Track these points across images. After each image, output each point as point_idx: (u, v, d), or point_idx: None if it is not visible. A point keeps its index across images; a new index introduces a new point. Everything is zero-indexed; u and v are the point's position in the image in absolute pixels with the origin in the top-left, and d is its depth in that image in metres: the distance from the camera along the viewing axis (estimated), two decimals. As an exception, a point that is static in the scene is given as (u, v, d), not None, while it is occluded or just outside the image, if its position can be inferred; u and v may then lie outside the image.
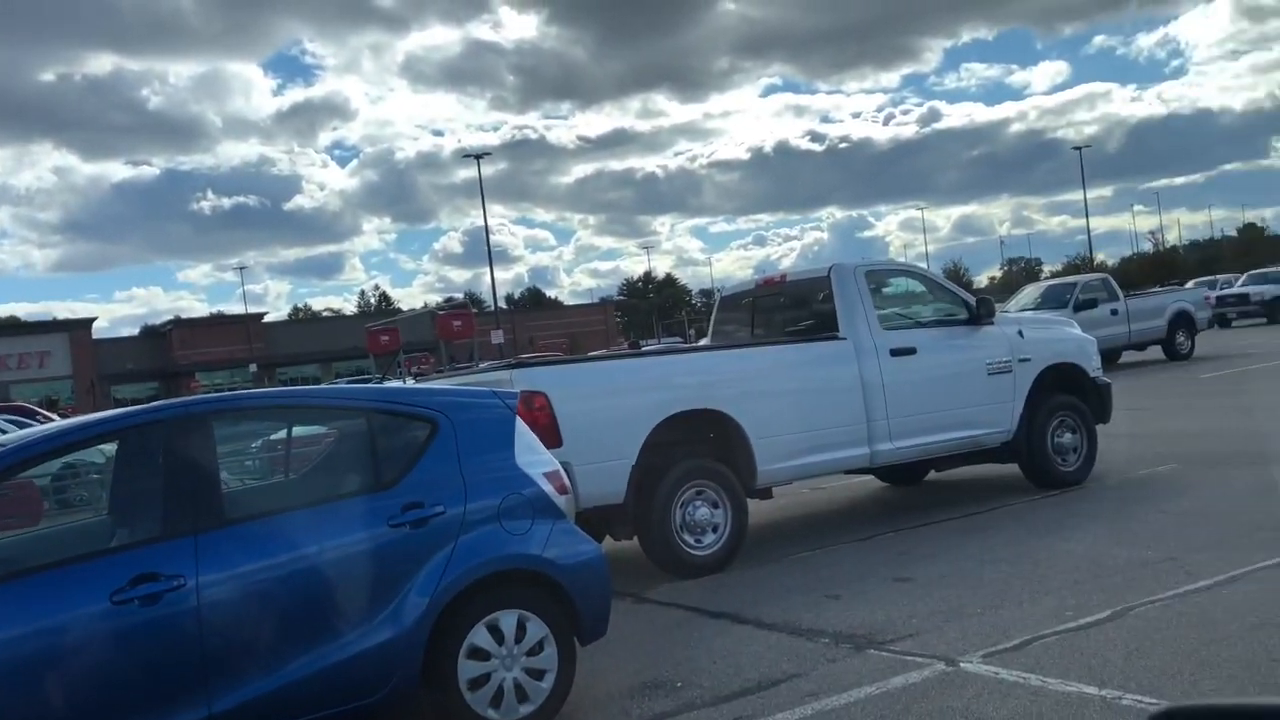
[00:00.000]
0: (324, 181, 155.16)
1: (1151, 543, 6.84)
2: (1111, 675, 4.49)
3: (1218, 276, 45.76)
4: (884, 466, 8.95)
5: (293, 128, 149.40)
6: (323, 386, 5.92)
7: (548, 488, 4.86)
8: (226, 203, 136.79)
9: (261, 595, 4.25)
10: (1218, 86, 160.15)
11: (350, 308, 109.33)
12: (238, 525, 4.39)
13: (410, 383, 9.65)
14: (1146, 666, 4.56)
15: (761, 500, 8.38)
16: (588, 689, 5.04)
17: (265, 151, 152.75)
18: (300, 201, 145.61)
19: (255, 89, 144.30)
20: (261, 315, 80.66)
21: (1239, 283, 38.89)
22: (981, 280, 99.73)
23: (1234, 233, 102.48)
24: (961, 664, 4.89)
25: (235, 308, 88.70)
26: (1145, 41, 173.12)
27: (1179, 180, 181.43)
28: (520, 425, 5.05)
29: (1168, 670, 4.49)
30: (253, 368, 64.50)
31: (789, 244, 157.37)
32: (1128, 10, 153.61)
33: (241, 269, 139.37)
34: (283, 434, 6.05)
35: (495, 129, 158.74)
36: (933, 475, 10.04)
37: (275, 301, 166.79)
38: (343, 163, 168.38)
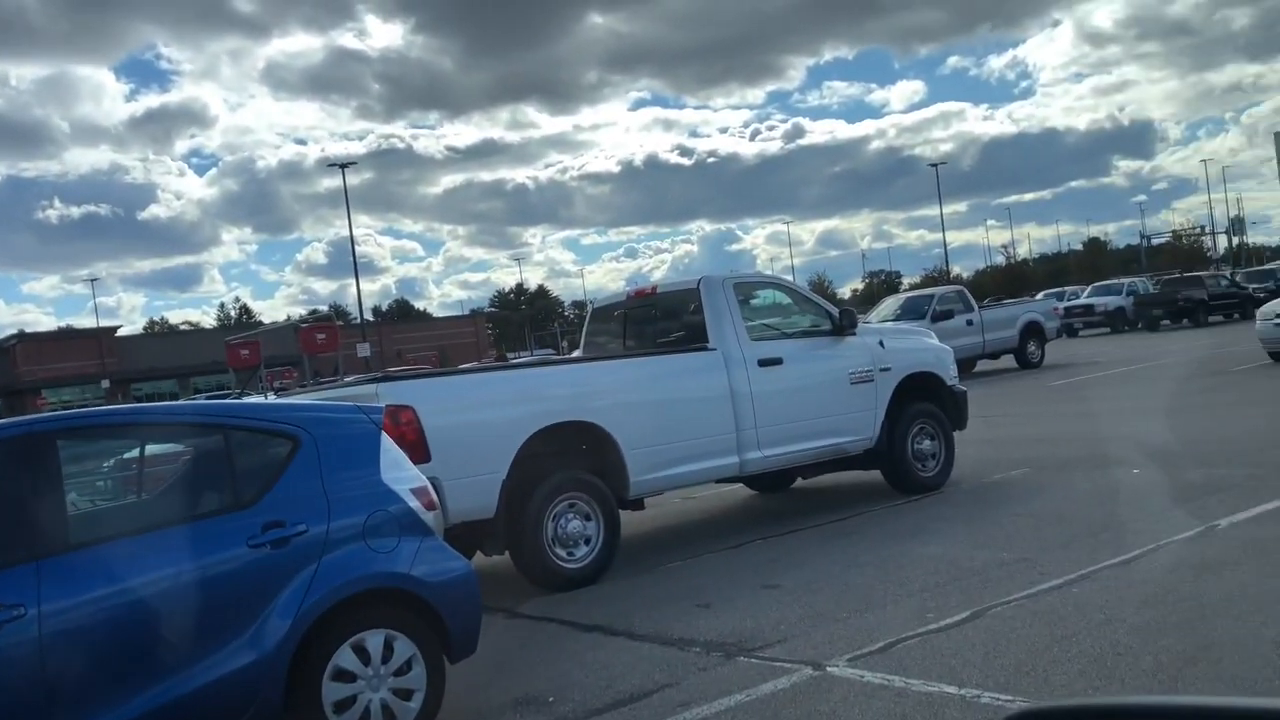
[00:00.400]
0: (181, 190, 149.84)
1: (1006, 544, 7.10)
2: (970, 674, 4.63)
3: (1065, 289, 48.06)
4: (753, 475, 9.09)
5: (147, 134, 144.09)
6: (177, 403, 5.69)
7: (415, 504, 4.77)
8: (75, 211, 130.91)
9: (110, 623, 4.04)
10: (1063, 107, 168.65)
11: (210, 321, 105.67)
12: (85, 549, 4.17)
13: (271, 398, 9.35)
14: (1002, 665, 4.72)
15: (634, 511, 8.41)
16: (459, 707, 4.96)
17: (117, 159, 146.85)
18: (155, 211, 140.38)
19: (106, 93, 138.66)
20: (115, 329, 77.23)
21: (1084, 294, 40.93)
22: (845, 292, 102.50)
23: (1079, 246, 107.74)
24: (828, 668, 4.98)
25: (86, 321, 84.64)
26: (996, 63, 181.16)
27: (1029, 196, 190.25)
28: (386, 440, 4.94)
29: (1022, 668, 4.66)
30: (105, 383, 61.69)
31: (660, 256, 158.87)
32: (979, 33, 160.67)
33: (93, 281, 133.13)
34: (135, 453, 5.78)
35: (361, 138, 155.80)
36: (800, 482, 10.23)
37: (129, 314, 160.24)
38: (201, 171, 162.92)
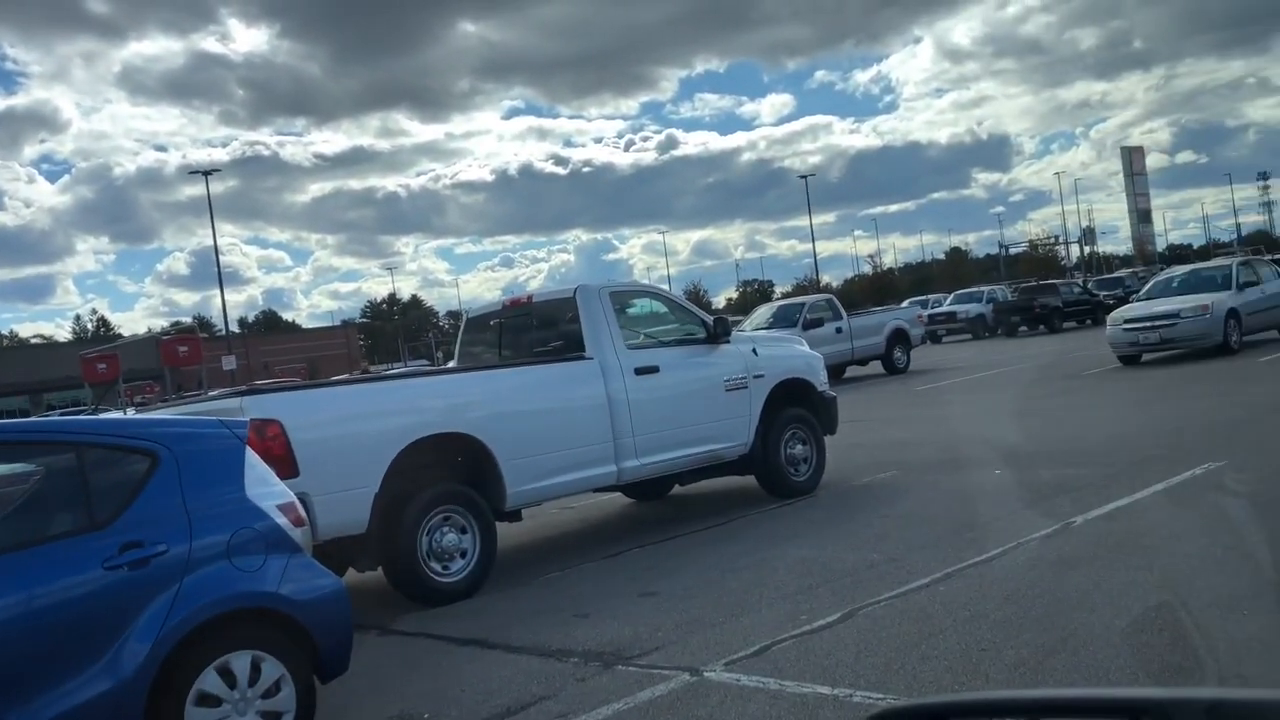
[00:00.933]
0: (30, 198, 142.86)
1: (876, 545, 7.28)
2: (843, 674, 4.73)
3: (929, 296, 49.68)
4: (631, 483, 9.11)
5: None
6: (26, 419, 5.40)
7: (282, 520, 4.63)
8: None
9: (-48, 654, 3.80)
10: (924, 121, 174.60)
11: (64, 334, 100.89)
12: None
13: (130, 413, 8.97)
14: (873, 663, 4.83)
15: (511, 523, 8.33)
16: (330, 728, 4.82)
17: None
18: (2, 219, 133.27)
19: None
20: (-42, 343, 73.02)
21: (947, 302, 42.37)
22: (719, 301, 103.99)
23: (942, 255, 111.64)
24: (705, 673, 5.02)
25: (-75, 335, 79.81)
26: (861, 78, 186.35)
27: (894, 207, 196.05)
28: (251, 456, 4.79)
29: (892, 666, 4.77)
30: (-53, 401, 58.25)
31: (536, 265, 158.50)
32: (845, 49, 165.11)
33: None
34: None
35: (224, 145, 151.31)
36: (676, 489, 10.30)
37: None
38: (52, 178, 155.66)
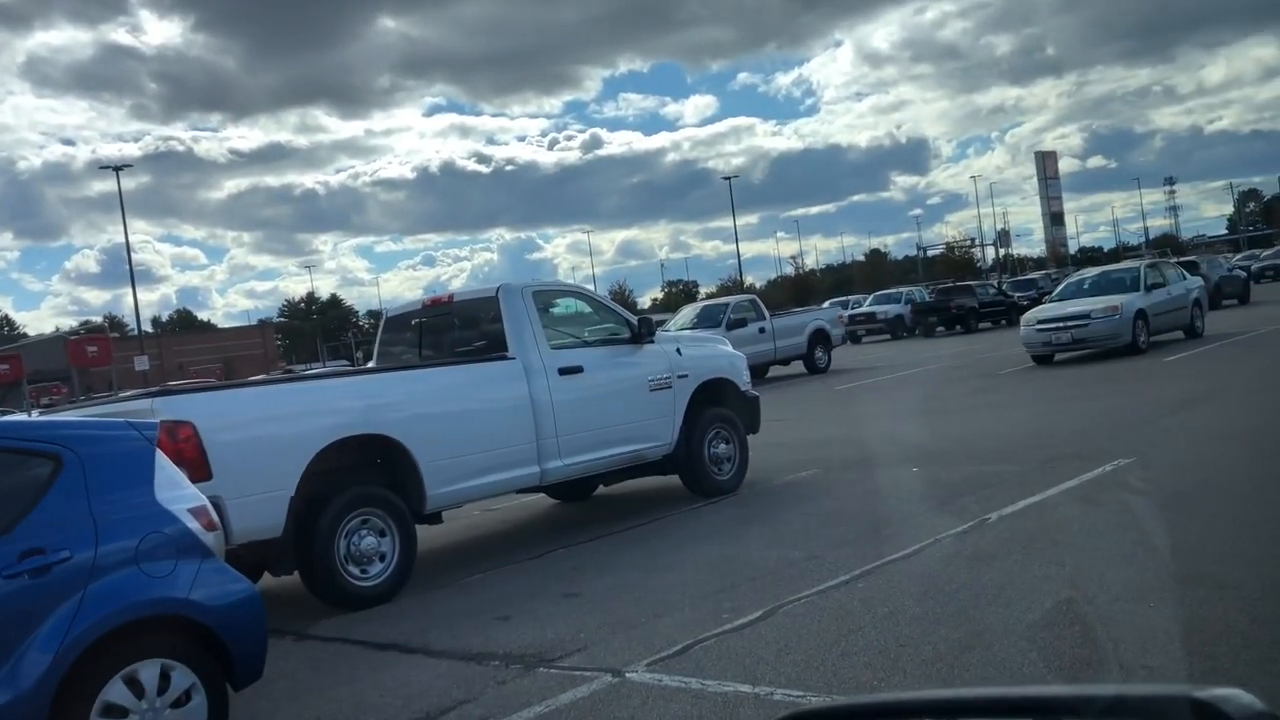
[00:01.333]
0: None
1: (797, 543, 7.34)
2: (764, 673, 4.75)
3: (849, 297, 50.38)
4: (554, 484, 9.07)
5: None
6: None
7: (193, 524, 4.51)
8: None
9: None
10: (845, 125, 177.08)
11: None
12: None
13: (35, 415, 8.69)
14: (794, 661, 4.86)
15: (431, 525, 8.23)
16: (243, 737, 4.71)
17: None
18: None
19: None
20: None
21: (867, 303, 43.01)
22: (645, 301, 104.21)
23: (862, 257, 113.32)
24: (627, 674, 5.00)
25: None
26: (783, 80, 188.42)
27: (815, 209, 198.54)
28: (161, 458, 4.66)
29: (813, 663, 4.81)
30: None
31: (459, 264, 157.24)
32: (766, 51, 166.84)
33: None
34: None
35: (136, 139, 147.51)
36: (600, 490, 10.28)
37: None
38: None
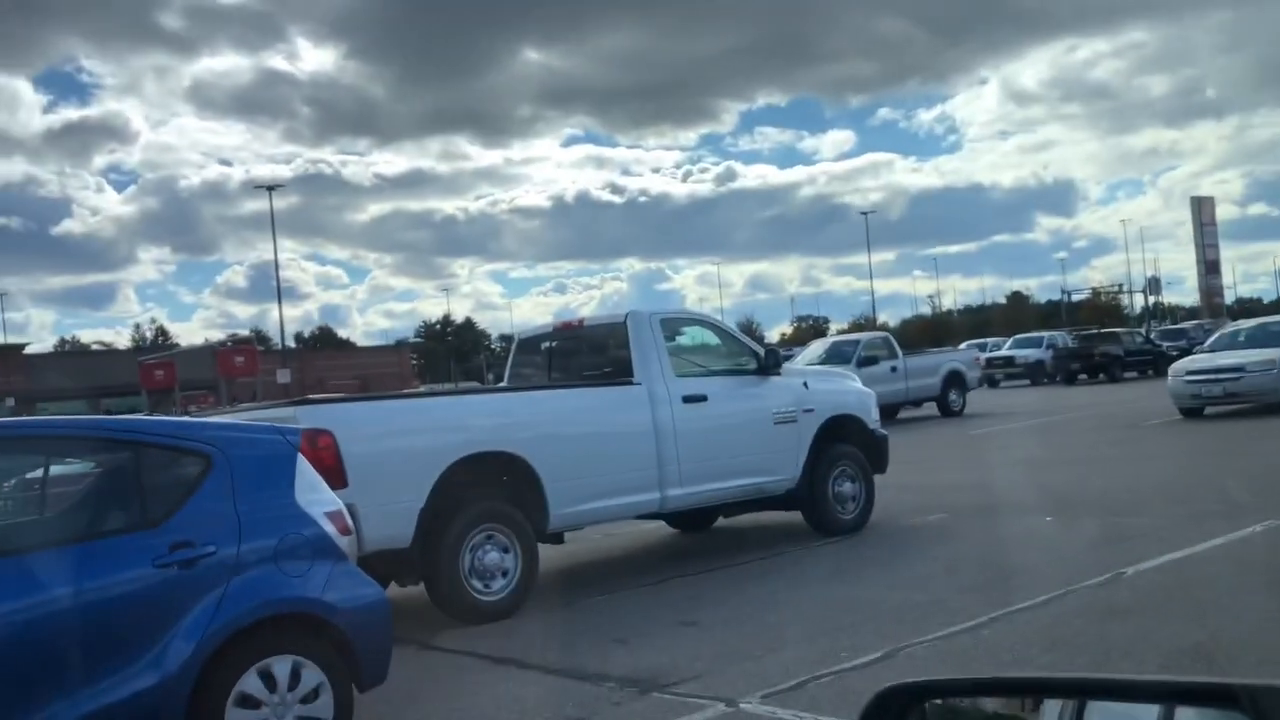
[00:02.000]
0: (97, 206, 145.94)
1: (921, 587, 7.19)
2: (881, 713, 4.66)
3: (987, 340, 49.14)
4: (674, 512, 9.09)
5: (64, 148, 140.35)
6: (85, 416, 5.55)
7: (329, 528, 4.69)
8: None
9: (4, 642, 3.89)
10: (988, 163, 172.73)
11: (124, 341, 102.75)
12: (-24, 565, 4.02)
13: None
14: (913, 704, 4.75)
15: (553, 545, 8.35)
16: (365, 738, 4.85)
17: (32, 171, 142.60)
18: (70, 226, 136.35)
19: (23, 104, 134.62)
20: (22, 346, 74.92)
21: (1006, 346, 41.88)
22: (773, 335, 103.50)
23: (1003, 299, 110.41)
24: (741, 705, 4.97)
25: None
26: (925, 117, 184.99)
27: (954, 248, 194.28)
28: (302, 463, 4.86)
29: (932, 707, 4.69)
30: (9, 401, 59.67)
31: (589, 292, 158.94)
32: (909, 86, 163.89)
33: (1, 295, 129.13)
34: (39, 472, 5.59)
35: (288, 161, 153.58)
36: (721, 521, 10.26)
37: (38, 332, 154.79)
38: (119, 187, 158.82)
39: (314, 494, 4.77)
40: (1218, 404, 17.99)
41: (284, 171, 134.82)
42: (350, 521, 4.90)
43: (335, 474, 6.45)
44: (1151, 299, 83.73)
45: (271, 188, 54.88)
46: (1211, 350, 19.37)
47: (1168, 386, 18.76)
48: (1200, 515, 8.77)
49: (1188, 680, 0.76)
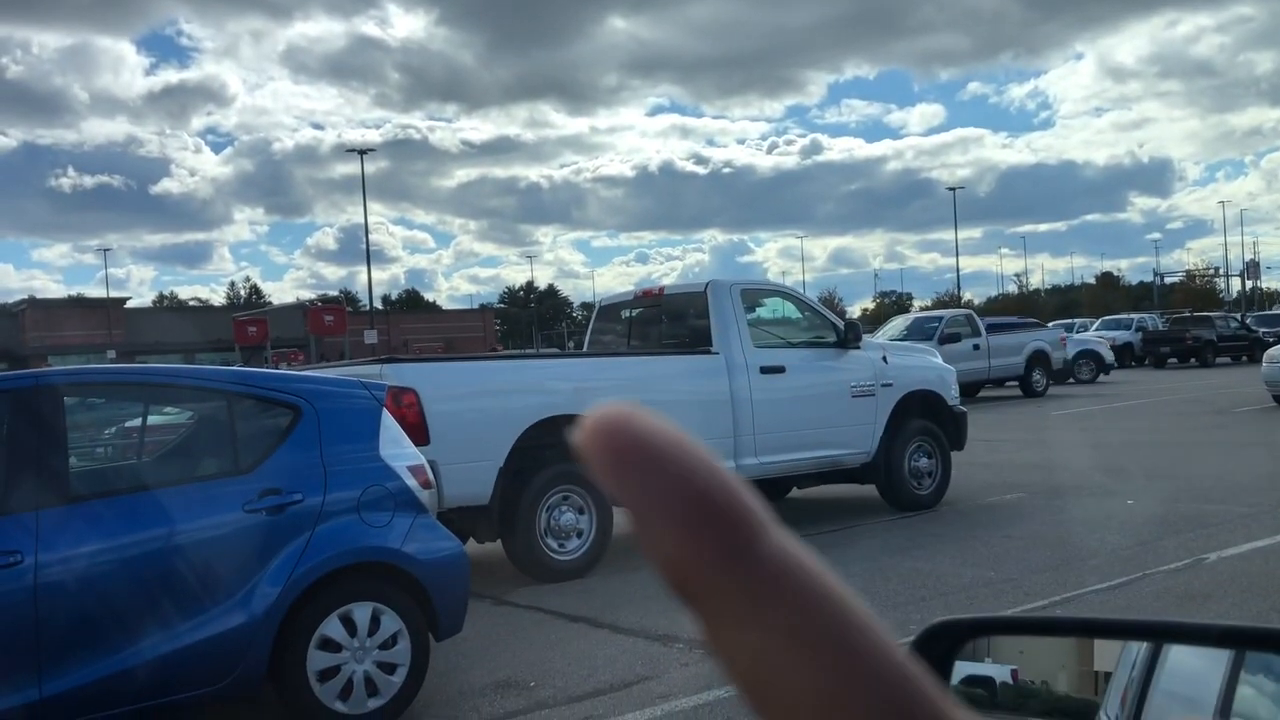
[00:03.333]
0: (195, 167, 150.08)
1: (995, 564, 7.15)
2: (947, 685, 4.68)
3: (1075, 320, 47.99)
4: (749, 481, 9.11)
5: (164, 109, 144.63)
6: (181, 365, 5.78)
7: (411, 482, 4.84)
8: (89, 181, 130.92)
9: (104, 576, 4.12)
10: (1082, 140, 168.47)
11: (219, 298, 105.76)
12: (84, 503, 4.25)
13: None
14: (980, 678, 4.76)
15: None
16: (440, 685, 5.02)
17: (133, 131, 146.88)
18: (168, 185, 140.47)
19: (126, 66, 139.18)
20: (123, 300, 77.61)
21: (1094, 328, 40.88)
22: (854, 310, 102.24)
23: (1093, 280, 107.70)
24: (808, 671, 5.02)
25: (95, 291, 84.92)
26: (1017, 92, 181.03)
27: (1043, 227, 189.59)
28: (386, 417, 5.01)
29: (999, 682, 4.70)
30: (110, 354, 61.83)
31: (671, 263, 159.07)
32: (1001, 61, 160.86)
33: (105, 251, 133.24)
34: (138, 420, 5.86)
35: (377, 126, 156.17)
36: (795, 493, 10.27)
37: (138, 288, 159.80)
38: (216, 149, 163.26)
39: (397, 448, 4.92)
40: (1315, 392, 17.39)
41: (373, 136, 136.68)
42: (431, 475, 5.05)
43: (418, 431, 6.63)
44: (1249, 283, 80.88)
45: (363, 152, 55.77)
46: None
47: (1262, 373, 18.18)
48: (1289, 504, 8.55)
49: (1259, 627, 0.78)
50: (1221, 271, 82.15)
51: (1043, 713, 0.95)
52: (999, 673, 0.95)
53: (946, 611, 5.47)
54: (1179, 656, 0.91)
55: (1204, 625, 0.84)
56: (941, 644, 0.90)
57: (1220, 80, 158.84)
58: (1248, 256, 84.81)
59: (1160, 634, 0.92)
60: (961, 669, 0.93)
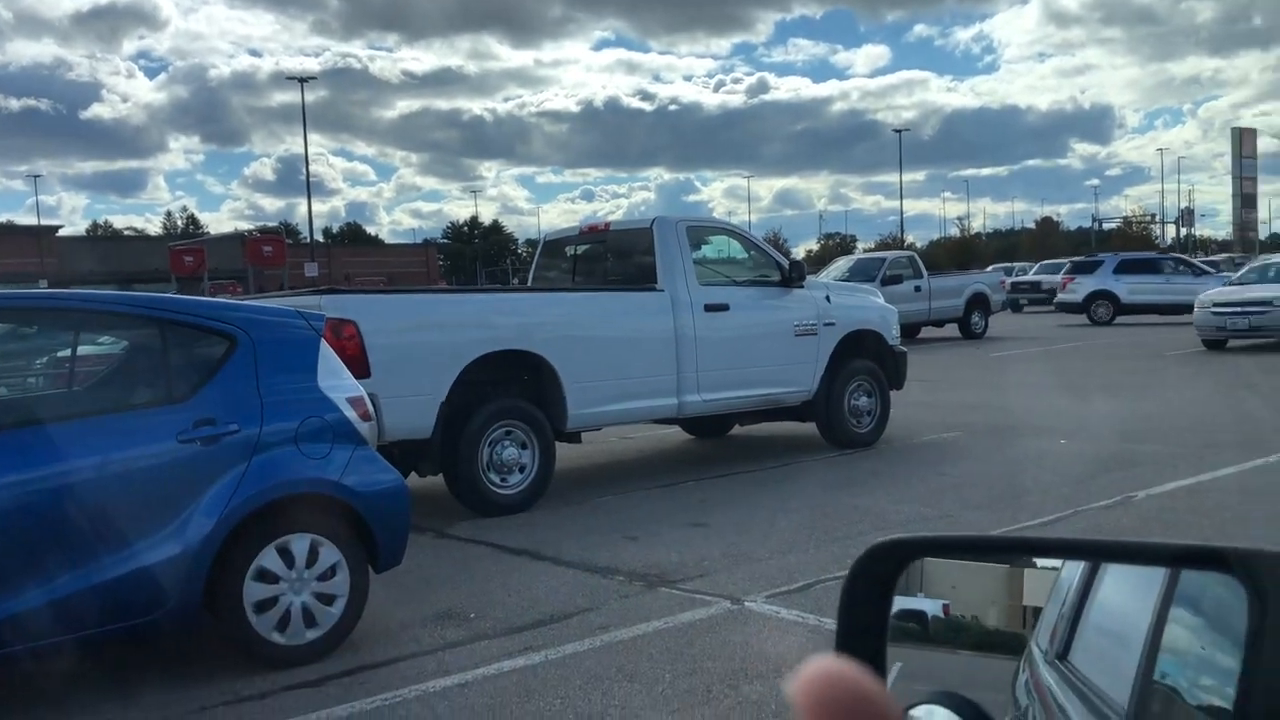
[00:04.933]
0: (127, 93, 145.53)
1: (931, 501, 7.28)
2: (882, 617, 4.77)
3: (1014, 264, 48.61)
4: (690, 418, 9.18)
5: (93, 31, 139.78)
6: (114, 292, 5.61)
7: (350, 413, 4.78)
8: (14, 104, 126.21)
9: (33, 505, 4.02)
10: (1025, 86, 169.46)
11: (154, 228, 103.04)
12: (10, 431, 4.13)
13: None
14: (914, 610, 4.86)
15: (570, 444, 8.47)
16: (380, 617, 5.01)
17: (61, 54, 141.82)
18: (99, 111, 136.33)
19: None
20: (55, 228, 75.38)
21: (1032, 271, 41.44)
22: (799, 251, 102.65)
23: (1033, 225, 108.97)
24: (746, 603, 5.10)
25: (25, 219, 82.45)
26: (962, 35, 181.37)
27: (986, 171, 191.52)
28: (325, 348, 4.93)
29: (932, 614, 4.80)
30: (43, 283, 60.21)
31: (616, 200, 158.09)
32: (946, 3, 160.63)
33: (35, 178, 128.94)
34: (67, 351, 5.71)
35: (316, 55, 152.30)
36: (736, 429, 10.35)
37: (70, 216, 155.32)
38: (150, 74, 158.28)
39: (336, 379, 4.86)
40: (1242, 337, 17.88)
41: (312, 65, 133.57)
42: (371, 408, 4.99)
43: (359, 363, 6.55)
44: (1184, 231, 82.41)
45: (303, 80, 54.33)
46: (1240, 283, 19.17)
47: (1193, 318, 18.62)
48: (1214, 445, 8.80)
49: (1181, 544, 0.79)
50: (1157, 218, 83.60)
51: (974, 646, 0.96)
52: (931, 607, 0.95)
53: (883, 546, 5.58)
54: (1108, 592, 0.91)
55: (1143, 543, 0.85)
56: (884, 565, 0.90)
57: (1161, 28, 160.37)
58: (1183, 204, 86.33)
59: (1101, 553, 0.93)
60: (894, 603, 0.93)
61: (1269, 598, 0.69)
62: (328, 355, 4.93)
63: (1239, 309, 17.62)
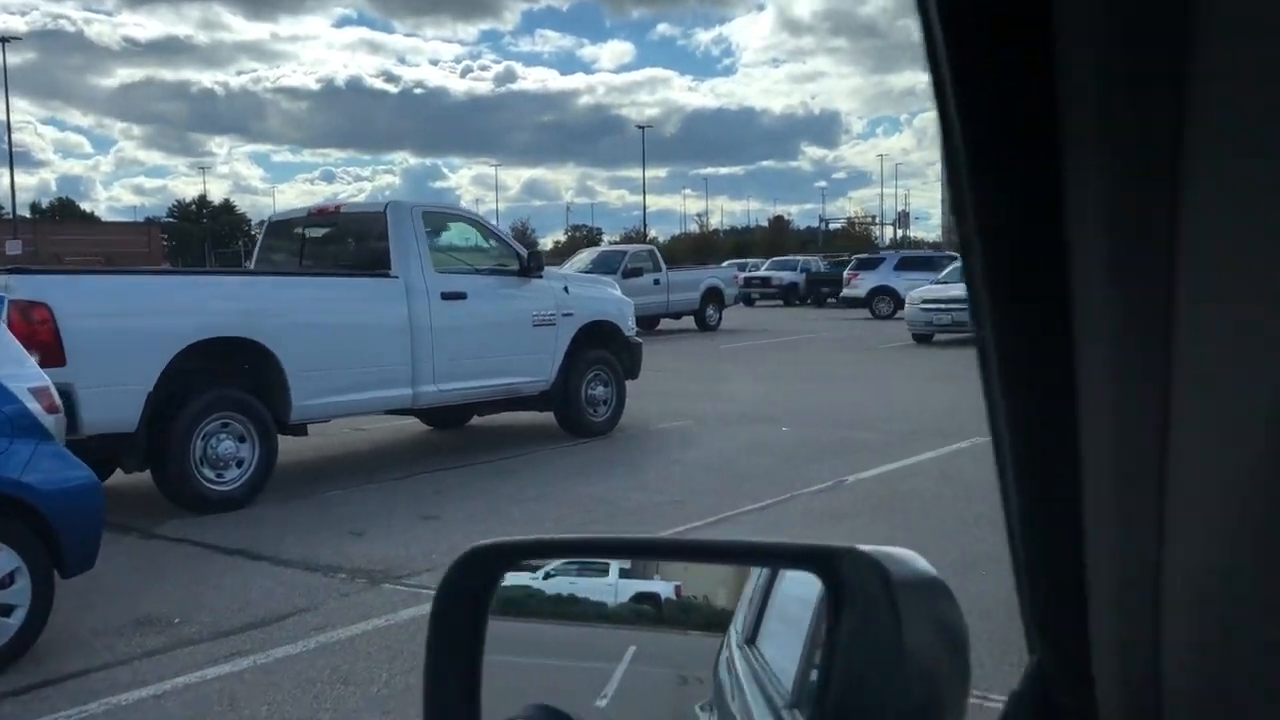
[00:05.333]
0: None
1: (662, 488, 7.45)
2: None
3: (747, 260, 50.83)
4: (427, 409, 9.00)
5: None
6: None
7: (33, 405, 4.35)
8: None
9: None
10: (761, 89, 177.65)
11: None
12: None
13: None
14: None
15: (296, 437, 8.10)
16: (71, 625, 4.61)
17: None
18: None
19: None
20: None
21: (764, 267, 43.48)
22: (547, 243, 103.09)
23: (765, 223, 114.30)
24: (473, 596, 5.02)
25: None
26: (703, 37, 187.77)
27: (724, 170, 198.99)
28: (5, 334, 4.48)
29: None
30: None
31: (359, 184, 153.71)
32: (689, 3, 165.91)
33: None
34: None
35: (22, 13, 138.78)
36: (475, 420, 10.24)
37: None
38: None
39: (16, 367, 4.41)
40: (947, 331, 19.39)
41: (17, 23, 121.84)
42: (58, 399, 4.57)
43: (52, 351, 6.02)
44: (900, 232, 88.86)
45: (5, 40, 49.43)
46: (945, 282, 20.80)
47: (905, 314, 20.04)
48: (918, 432, 9.48)
49: (772, 543, 0.82)
50: (877, 219, 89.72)
51: (703, 625, 0.97)
52: (664, 589, 0.98)
53: (615, 533, 5.63)
54: (789, 582, 0.94)
55: (737, 544, 0.87)
56: (482, 569, 0.89)
57: (882, 42, 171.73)
58: (900, 207, 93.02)
59: (697, 554, 0.97)
60: (630, 586, 0.97)
61: (845, 594, 0.71)
62: (8, 343, 4.48)
63: (944, 305, 19.09)
